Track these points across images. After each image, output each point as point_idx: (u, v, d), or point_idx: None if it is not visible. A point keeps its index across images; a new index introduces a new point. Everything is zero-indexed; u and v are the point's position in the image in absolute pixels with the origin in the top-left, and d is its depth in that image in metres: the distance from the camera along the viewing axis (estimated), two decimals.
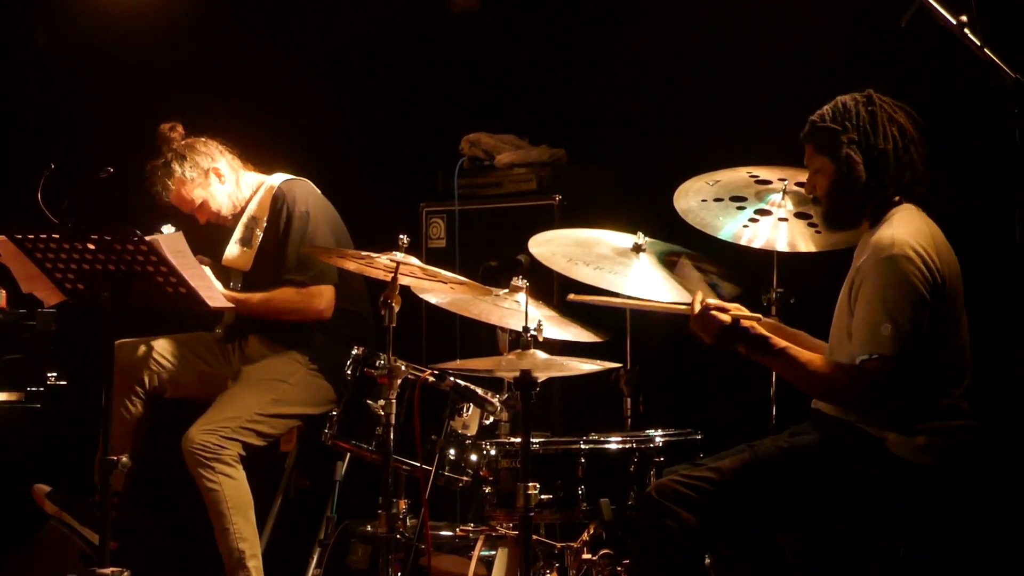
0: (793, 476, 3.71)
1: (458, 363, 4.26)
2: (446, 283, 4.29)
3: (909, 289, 3.61)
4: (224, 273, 5.10)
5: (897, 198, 3.77)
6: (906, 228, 3.69)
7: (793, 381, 3.77)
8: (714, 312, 3.71)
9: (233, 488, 4.85)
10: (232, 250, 5.16)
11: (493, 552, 4.27)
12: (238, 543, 4.84)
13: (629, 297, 4.14)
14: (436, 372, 4.37)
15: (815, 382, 3.70)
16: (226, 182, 5.15)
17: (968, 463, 3.69)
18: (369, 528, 4.65)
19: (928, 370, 3.65)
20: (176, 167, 5.10)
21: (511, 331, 4.34)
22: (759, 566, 3.86)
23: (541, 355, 3.85)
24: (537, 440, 4.12)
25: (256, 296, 5.02)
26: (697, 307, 3.73)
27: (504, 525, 4.19)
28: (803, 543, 3.85)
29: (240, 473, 4.88)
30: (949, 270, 3.70)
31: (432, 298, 4.44)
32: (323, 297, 5.02)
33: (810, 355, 3.71)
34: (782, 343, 3.72)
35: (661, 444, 4.13)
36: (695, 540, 3.70)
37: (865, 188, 3.76)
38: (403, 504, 4.34)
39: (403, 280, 4.19)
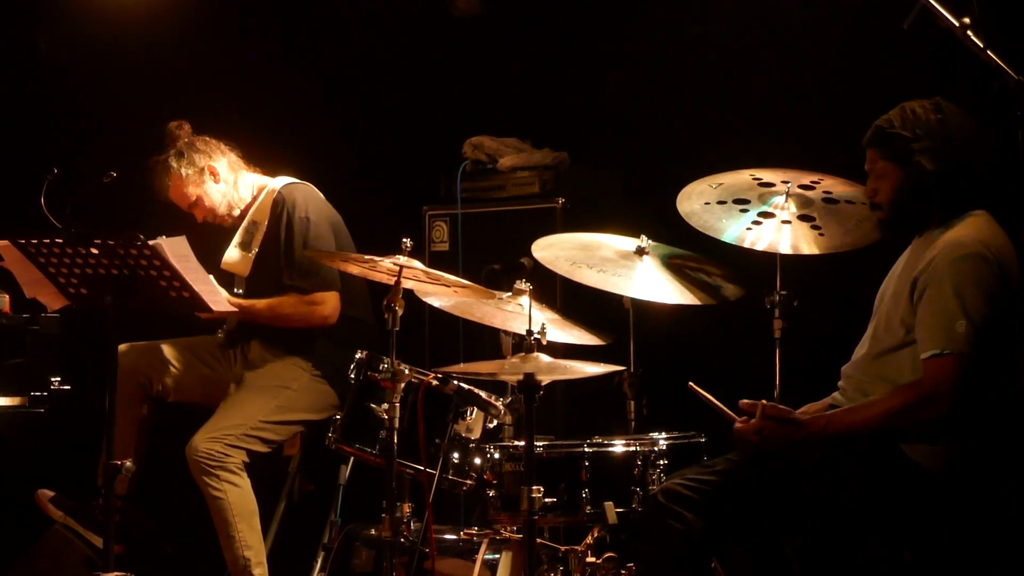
0: (800, 476, 3.70)
1: (461, 366, 4.26)
2: (449, 286, 4.29)
3: (986, 288, 3.60)
4: (226, 278, 5.10)
5: (970, 205, 3.74)
6: (981, 231, 3.69)
7: (865, 433, 3.70)
8: (746, 436, 3.75)
9: (238, 496, 4.85)
10: (231, 254, 5.16)
11: (497, 555, 4.27)
12: (243, 551, 4.84)
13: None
14: (440, 376, 4.36)
15: (884, 420, 3.64)
16: (222, 181, 5.15)
17: (980, 469, 3.67)
18: (373, 532, 4.65)
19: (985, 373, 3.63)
20: (173, 163, 5.12)
21: (514, 334, 4.34)
22: (765, 569, 3.85)
23: (545, 358, 3.84)
24: (541, 443, 4.12)
25: (261, 303, 5.01)
26: (738, 425, 3.79)
27: (508, 528, 4.19)
28: (807, 546, 3.84)
29: (245, 481, 4.88)
30: (1016, 276, 3.69)
31: (435, 301, 4.43)
32: (327, 304, 5.02)
33: (856, 405, 3.71)
34: (823, 418, 3.72)
35: (665, 447, 4.13)
36: (701, 543, 3.70)
37: (933, 195, 3.74)
38: (407, 508, 4.32)
39: (406, 283, 4.18)
